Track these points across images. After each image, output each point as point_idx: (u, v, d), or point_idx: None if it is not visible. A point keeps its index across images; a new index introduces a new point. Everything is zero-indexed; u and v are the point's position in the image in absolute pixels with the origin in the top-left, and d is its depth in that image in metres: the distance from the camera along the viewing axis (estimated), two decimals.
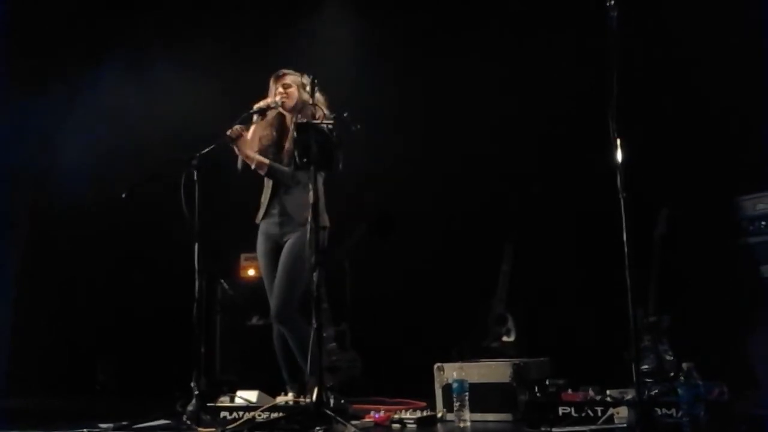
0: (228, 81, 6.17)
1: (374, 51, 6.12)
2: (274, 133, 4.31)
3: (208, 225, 3.90)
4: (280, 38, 6.17)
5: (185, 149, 4.01)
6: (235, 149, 4.14)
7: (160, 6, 6.56)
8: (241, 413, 3.90)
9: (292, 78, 4.28)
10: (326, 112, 3.99)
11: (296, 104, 4.23)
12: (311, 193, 3.64)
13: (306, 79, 4.11)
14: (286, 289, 4.05)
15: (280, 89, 4.26)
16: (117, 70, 6.59)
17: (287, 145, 4.22)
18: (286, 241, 4.17)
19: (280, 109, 4.28)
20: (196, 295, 3.80)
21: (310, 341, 3.75)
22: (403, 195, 5.85)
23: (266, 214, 4.26)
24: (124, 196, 3.95)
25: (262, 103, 4.21)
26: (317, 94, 4.02)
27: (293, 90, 4.25)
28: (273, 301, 4.11)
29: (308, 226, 3.68)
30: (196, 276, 3.82)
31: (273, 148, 4.28)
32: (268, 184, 4.29)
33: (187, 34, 6.42)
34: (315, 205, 3.63)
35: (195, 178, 3.90)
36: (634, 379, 3.02)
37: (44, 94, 6.55)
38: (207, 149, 3.98)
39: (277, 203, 4.23)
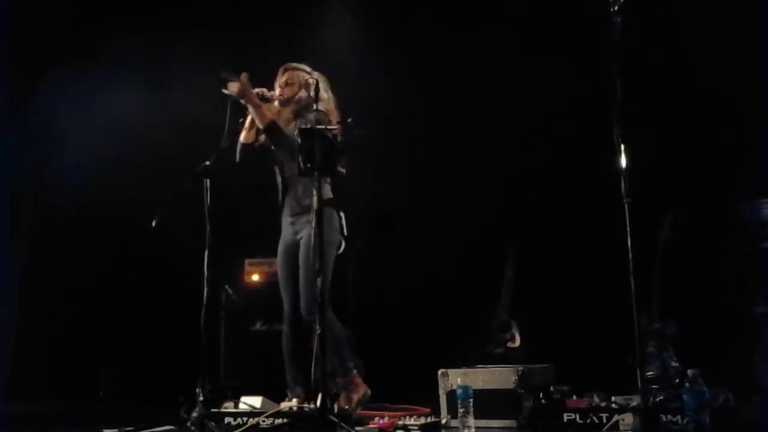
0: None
1: (375, 50, 6.09)
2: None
3: (212, 230, 3.89)
4: (280, 37, 6.16)
5: (185, 149, 3.99)
6: (243, 102, 4.10)
7: (160, 6, 6.56)
8: (245, 419, 3.90)
9: (297, 75, 4.31)
10: (332, 107, 4.03)
11: (290, 98, 4.25)
12: (315, 198, 3.64)
13: (312, 80, 4.14)
14: (312, 285, 3.92)
15: (281, 82, 4.30)
16: (118, 71, 6.58)
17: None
18: (299, 240, 4.19)
19: (275, 103, 4.30)
20: (205, 301, 3.80)
21: (342, 340, 4.00)
22: (405, 197, 5.83)
23: (282, 217, 4.27)
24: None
25: (258, 90, 4.22)
26: (325, 94, 4.05)
27: (294, 88, 4.27)
28: (302, 300, 4.09)
29: (313, 230, 3.68)
30: (205, 282, 3.81)
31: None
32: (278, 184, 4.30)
33: (188, 33, 6.42)
34: (319, 212, 3.62)
35: (207, 186, 3.90)
36: (639, 385, 3.02)
37: (46, 96, 6.55)
38: (215, 155, 3.96)
39: (288, 204, 4.25)
